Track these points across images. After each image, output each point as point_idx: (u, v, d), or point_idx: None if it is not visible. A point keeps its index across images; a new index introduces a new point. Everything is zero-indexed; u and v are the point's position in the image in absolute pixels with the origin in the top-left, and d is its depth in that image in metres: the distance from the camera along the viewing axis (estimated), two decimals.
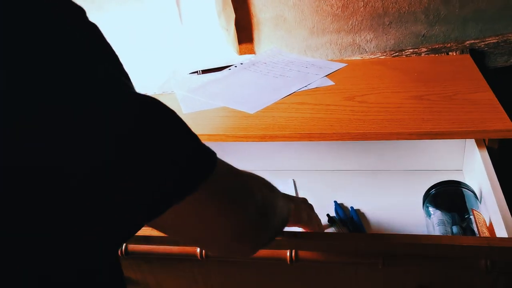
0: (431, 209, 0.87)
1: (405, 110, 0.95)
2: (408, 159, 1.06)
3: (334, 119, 0.95)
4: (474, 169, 0.94)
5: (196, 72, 1.24)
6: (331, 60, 1.27)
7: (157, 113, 0.47)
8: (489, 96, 0.97)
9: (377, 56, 1.37)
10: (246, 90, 1.10)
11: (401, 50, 1.37)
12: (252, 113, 1.00)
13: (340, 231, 0.91)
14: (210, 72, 1.24)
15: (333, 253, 0.72)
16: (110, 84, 0.43)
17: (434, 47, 1.34)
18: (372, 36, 1.39)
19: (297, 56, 1.30)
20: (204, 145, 0.51)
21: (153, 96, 0.49)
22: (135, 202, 0.43)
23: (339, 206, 0.97)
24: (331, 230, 0.93)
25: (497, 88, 1.04)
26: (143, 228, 0.47)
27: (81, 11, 0.45)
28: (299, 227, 0.80)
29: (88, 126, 0.38)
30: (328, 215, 0.95)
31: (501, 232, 0.74)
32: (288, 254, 0.73)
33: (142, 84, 1.24)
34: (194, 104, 1.07)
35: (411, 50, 1.36)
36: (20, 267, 0.39)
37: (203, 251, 0.76)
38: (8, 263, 0.38)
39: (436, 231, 0.82)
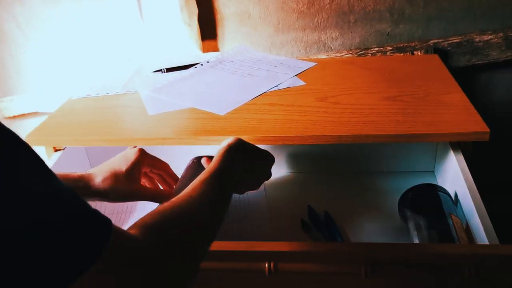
0: (407, 213, 0.86)
1: (379, 112, 0.93)
2: (380, 161, 1.05)
3: (308, 121, 0.92)
4: (448, 171, 0.93)
5: (161, 70, 1.19)
6: (300, 59, 1.24)
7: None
8: (461, 97, 0.97)
9: (343, 54, 1.36)
10: (214, 90, 1.06)
11: (367, 49, 1.36)
12: (222, 114, 0.96)
13: (315, 237, 0.89)
14: (175, 70, 1.18)
15: (313, 263, 0.70)
16: None
17: (399, 45, 1.34)
18: (337, 34, 1.38)
19: (265, 54, 1.27)
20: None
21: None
22: None
23: (313, 211, 0.94)
24: (305, 236, 0.90)
25: (461, 87, 1.04)
26: None
27: None
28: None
29: None
30: (302, 220, 0.92)
31: (480, 237, 0.74)
32: (266, 266, 0.69)
33: (104, 83, 1.18)
34: (159, 104, 1.02)
35: (377, 49, 1.35)
36: None
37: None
38: None
39: (414, 236, 0.81)
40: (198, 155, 0.87)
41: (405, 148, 1.02)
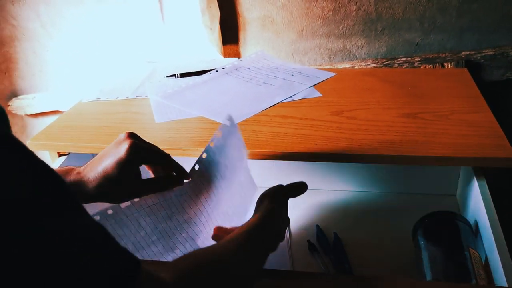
0: (421, 242, 0.79)
1: (396, 130, 0.87)
2: (398, 180, 0.98)
3: (319, 136, 0.86)
4: (470, 198, 0.86)
5: (174, 75, 1.15)
6: (320, 68, 1.19)
7: None
8: (488, 117, 0.89)
9: (368, 63, 1.29)
10: (226, 98, 1.02)
11: (394, 58, 1.29)
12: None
13: (322, 261, 0.83)
14: (189, 76, 1.15)
15: None
16: None
17: (428, 56, 1.27)
18: (363, 42, 1.31)
19: (283, 62, 1.22)
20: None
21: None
22: None
23: (321, 231, 0.89)
24: (311, 258, 0.85)
25: (493, 102, 0.97)
26: None
27: None
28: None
29: None
30: (308, 241, 0.87)
31: (499, 276, 0.67)
32: None
33: (115, 86, 1.15)
34: (168, 112, 0.98)
35: (404, 59, 1.28)
36: None
37: None
38: None
39: (427, 268, 0.75)
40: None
41: (426, 168, 0.95)
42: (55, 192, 0.39)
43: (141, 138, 0.70)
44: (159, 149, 0.71)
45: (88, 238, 0.39)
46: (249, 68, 1.16)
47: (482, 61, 1.22)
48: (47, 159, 0.98)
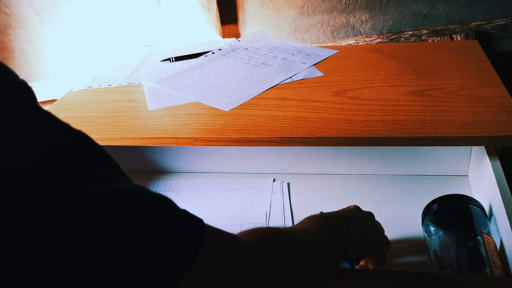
0: (432, 228, 0.74)
1: (402, 109, 0.82)
2: (405, 162, 0.93)
3: (320, 119, 0.81)
4: (483, 178, 0.81)
5: (169, 59, 1.10)
6: (322, 46, 1.13)
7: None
8: (500, 91, 0.84)
9: (373, 39, 1.23)
10: (222, 82, 0.97)
11: (400, 32, 1.23)
12: (226, 110, 0.87)
13: None
14: (184, 59, 1.10)
15: None
16: None
17: (436, 28, 1.20)
18: (367, 16, 1.25)
19: (283, 41, 1.16)
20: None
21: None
22: None
23: None
24: None
25: (505, 75, 0.91)
26: None
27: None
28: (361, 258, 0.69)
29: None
30: None
31: None
32: None
33: (108, 73, 1.10)
34: (162, 98, 0.93)
35: (411, 32, 1.22)
36: None
37: None
38: None
39: (438, 255, 0.70)
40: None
41: (435, 148, 0.90)
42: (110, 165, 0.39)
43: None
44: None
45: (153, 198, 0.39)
46: (247, 49, 1.10)
47: (493, 31, 1.16)
48: None
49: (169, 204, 0.40)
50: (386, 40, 1.22)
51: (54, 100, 1.51)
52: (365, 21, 1.26)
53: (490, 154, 0.78)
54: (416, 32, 1.21)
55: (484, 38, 1.15)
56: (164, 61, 1.10)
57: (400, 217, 0.83)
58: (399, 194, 0.89)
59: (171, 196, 0.92)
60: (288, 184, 0.96)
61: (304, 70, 0.98)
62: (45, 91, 1.52)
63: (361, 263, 0.69)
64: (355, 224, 0.64)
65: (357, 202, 0.88)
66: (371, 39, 1.24)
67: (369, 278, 0.60)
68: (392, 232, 0.81)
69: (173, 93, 0.94)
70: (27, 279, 0.30)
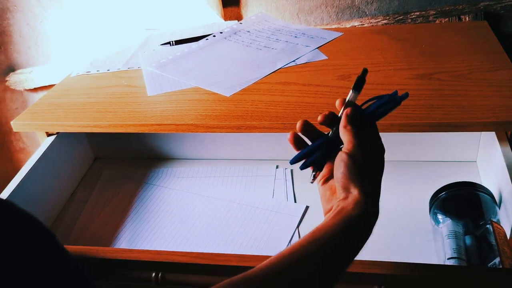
0: (440, 216, 0.72)
1: (410, 93, 0.79)
2: (412, 148, 0.91)
3: (324, 104, 0.79)
4: (492, 164, 0.78)
5: (169, 43, 1.07)
6: (326, 28, 1.10)
7: None
8: (511, 74, 0.81)
9: (379, 20, 1.20)
10: (223, 66, 0.94)
11: (406, 13, 1.19)
12: (228, 95, 0.84)
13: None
14: (185, 43, 1.07)
15: None
16: None
17: (444, 9, 1.17)
18: None
19: (286, 23, 1.13)
20: None
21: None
22: None
23: None
24: None
25: None
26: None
27: None
28: None
29: None
30: None
31: None
32: None
33: (106, 58, 1.08)
34: (161, 83, 0.91)
35: (418, 13, 1.18)
36: None
37: (159, 276, 0.63)
38: None
39: (446, 244, 0.68)
40: None
41: (443, 134, 0.87)
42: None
43: None
44: None
45: None
46: (249, 31, 1.07)
47: (502, 12, 1.12)
48: (36, 139, 0.93)
49: None
50: (392, 22, 1.19)
51: (54, 85, 1.49)
52: (371, 2, 1.22)
53: (500, 139, 0.75)
54: (423, 13, 1.18)
55: (493, 19, 1.11)
56: (164, 45, 1.07)
57: (407, 205, 0.81)
58: (405, 181, 0.87)
59: (172, 183, 0.91)
60: (292, 170, 0.93)
61: (307, 54, 0.96)
62: (45, 75, 1.50)
63: None
64: None
65: None
66: (376, 20, 1.20)
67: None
68: (398, 220, 0.79)
69: (173, 78, 0.92)
70: None
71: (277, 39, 1.02)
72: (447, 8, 1.16)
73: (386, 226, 0.78)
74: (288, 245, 0.77)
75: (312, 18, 1.28)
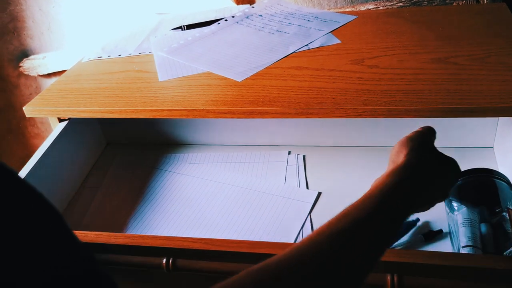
0: (454, 203, 0.71)
1: (425, 78, 0.77)
2: None
3: (337, 89, 0.77)
4: (509, 151, 0.77)
5: (180, 27, 1.06)
6: (340, 12, 1.07)
7: None
8: None
9: (394, 2, 1.17)
10: (235, 50, 0.93)
11: None
12: (239, 80, 0.83)
13: None
14: (196, 27, 1.06)
15: None
16: None
17: None
18: None
19: (299, 6, 1.11)
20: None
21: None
22: None
23: None
24: None
25: None
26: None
27: None
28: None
29: None
30: None
31: None
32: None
33: (117, 43, 1.07)
34: (173, 68, 0.90)
35: None
36: None
37: (170, 262, 0.62)
38: None
39: (461, 232, 0.67)
40: None
41: (459, 119, 0.86)
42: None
43: None
44: None
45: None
46: (261, 15, 1.06)
47: None
48: (48, 124, 0.93)
49: None
50: (408, 4, 1.16)
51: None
52: None
53: None
54: None
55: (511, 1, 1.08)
56: (175, 30, 1.06)
57: None
58: None
59: (184, 169, 0.90)
60: (304, 156, 0.93)
61: (320, 38, 0.94)
62: (58, 61, 1.50)
63: None
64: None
65: (376, 176, 0.85)
66: (392, 3, 1.18)
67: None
68: None
69: (184, 63, 0.91)
70: None
71: (289, 23, 1.01)
72: None
73: None
74: (300, 232, 0.77)
75: (326, 1, 1.26)
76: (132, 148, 1.01)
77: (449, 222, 0.72)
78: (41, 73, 1.54)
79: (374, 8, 1.18)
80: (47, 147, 0.83)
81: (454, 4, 1.12)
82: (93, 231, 0.68)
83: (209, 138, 0.98)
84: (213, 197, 0.85)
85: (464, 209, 0.69)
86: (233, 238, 0.74)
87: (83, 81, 0.92)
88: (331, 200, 0.81)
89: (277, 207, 0.82)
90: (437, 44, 0.87)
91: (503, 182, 0.70)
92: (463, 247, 0.65)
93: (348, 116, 0.74)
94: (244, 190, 0.86)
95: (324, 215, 0.77)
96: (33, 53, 1.53)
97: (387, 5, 1.17)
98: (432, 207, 0.55)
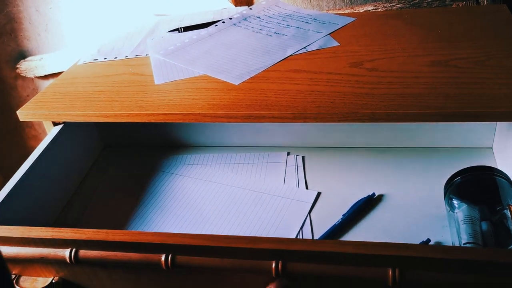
0: (455, 201, 0.70)
1: (424, 81, 0.76)
2: (426, 134, 0.88)
3: (335, 93, 0.76)
4: (509, 151, 0.76)
5: (178, 29, 1.05)
6: (338, 13, 1.06)
7: None
8: None
9: (393, 4, 1.16)
10: (232, 53, 0.92)
11: None
12: (236, 84, 0.82)
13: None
14: (193, 29, 1.04)
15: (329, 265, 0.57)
16: None
17: None
18: None
19: (297, 8, 1.10)
20: None
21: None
22: None
23: None
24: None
25: None
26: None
27: None
28: None
29: None
30: None
31: None
32: (273, 266, 0.57)
33: (114, 45, 1.06)
34: (169, 71, 0.89)
35: None
36: None
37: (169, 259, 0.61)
38: None
39: (462, 230, 0.66)
40: None
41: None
42: None
43: None
44: None
45: None
46: (259, 17, 1.05)
47: None
48: (43, 129, 0.92)
49: None
50: (407, 6, 1.15)
51: None
52: None
53: None
54: None
55: None
56: (172, 32, 1.05)
57: (421, 191, 0.80)
58: (419, 167, 0.85)
59: (183, 170, 0.89)
60: (303, 157, 0.92)
61: (319, 40, 0.93)
62: (55, 62, 1.49)
63: None
64: None
65: (376, 176, 0.85)
66: (391, 4, 1.17)
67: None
68: (413, 206, 0.77)
69: (181, 66, 0.90)
70: None
71: (288, 25, 1.00)
72: None
73: (401, 212, 0.76)
74: (299, 231, 0.76)
75: (325, 2, 1.25)
76: (130, 150, 1.00)
77: (449, 221, 0.71)
78: (38, 75, 1.53)
79: (373, 9, 1.17)
80: (41, 151, 0.82)
81: (454, 5, 1.12)
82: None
83: (207, 139, 0.98)
84: (212, 198, 0.84)
85: (464, 206, 0.68)
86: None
87: (78, 84, 0.91)
88: (331, 200, 0.81)
89: (276, 207, 0.81)
90: (437, 46, 0.86)
91: (504, 180, 0.69)
92: (464, 243, 0.64)
93: (346, 121, 0.73)
94: (243, 191, 0.85)
95: (324, 215, 0.77)
96: (30, 55, 1.52)
97: (386, 7, 1.16)
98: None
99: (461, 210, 0.69)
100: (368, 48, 0.88)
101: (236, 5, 1.27)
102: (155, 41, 1.02)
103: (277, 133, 0.94)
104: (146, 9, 1.33)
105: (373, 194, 0.80)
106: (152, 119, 0.78)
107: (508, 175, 0.71)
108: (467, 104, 0.69)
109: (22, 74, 1.53)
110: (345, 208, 0.78)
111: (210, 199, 0.84)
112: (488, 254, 0.54)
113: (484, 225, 0.67)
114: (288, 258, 0.59)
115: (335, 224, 0.75)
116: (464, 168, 0.72)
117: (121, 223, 0.82)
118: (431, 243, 0.69)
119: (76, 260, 0.64)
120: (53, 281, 0.68)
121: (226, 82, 0.83)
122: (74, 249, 0.65)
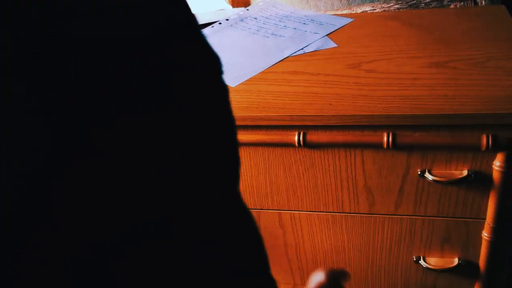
0: None
1: (423, 83, 0.75)
2: None
3: (333, 95, 0.76)
4: None
5: None
6: (336, 14, 1.06)
7: None
8: None
9: (391, 5, 1.16)
10: (229, 54, 0.91)
11: None
12: (233, 86, 0.81)
13: None
14: None
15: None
16: None
17: None
18: None
19: (294, 9, 1.09)
20: None
21: None
22: None
23: None
24: None
25: None
26: None
27: None
28: None
29: None
30: None
31: None
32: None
33: None
34: None
35: None
36: None
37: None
38: None
39: None
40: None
41: None
42: None
43: None
44: None
45: None
46: (256, 18, 1.04)
47: None
48: None
49: None
50: (405, 7, 1.15)
51: None
52: None
53: None
54: None
55: (511, 3, 1.07)
56: None
57: None
58: None
59: None
60: None
61: (316, 41, 0.92)
62: None
63: None
64: None
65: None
66: (389, 5, 1.16)
67: None
68: None
69: None
70: None
71: (285, 26, 0.99)
72: None
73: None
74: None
75: (322, 3, 1.24)
76: None
77: None
78: None
79: (370, 10, 1.17)
80: None
81: (452, 6, 1.11)
82: None
83: None
84: None
85: None
86: None
87: None
88: None
89: None
90: (435, 47, 0.85)
91: None
92: None
93: (344, 123, 0.72)
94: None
95: None
96: None
97: (383, 7, 1.16)
98: None
99: None
100: (366, 50, 0.88)
101: (233, 6, 1.26)
102: None
103: None
104: None
105: None
106: None
107: None
108: (466, 106, 0.69)
109: None
110: None
111: None
112: None
113: None
114: None
115: None
116: None
117: None
118: None
119: None
120: None
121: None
122: None
